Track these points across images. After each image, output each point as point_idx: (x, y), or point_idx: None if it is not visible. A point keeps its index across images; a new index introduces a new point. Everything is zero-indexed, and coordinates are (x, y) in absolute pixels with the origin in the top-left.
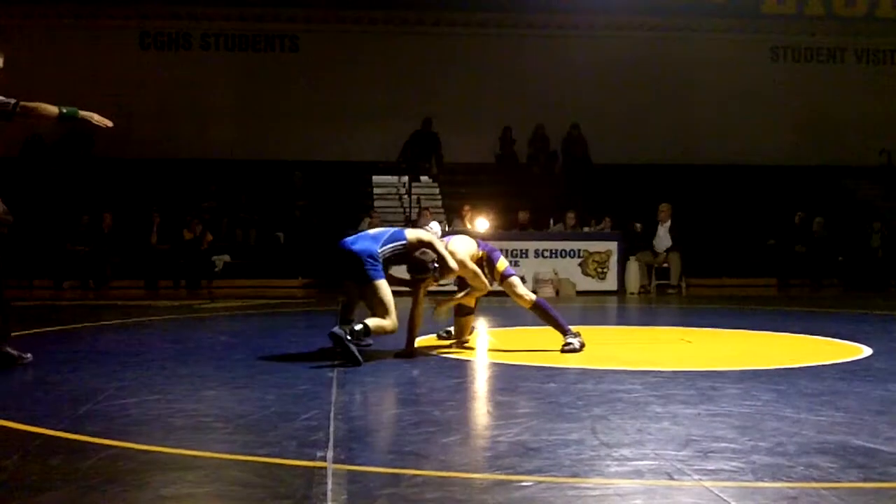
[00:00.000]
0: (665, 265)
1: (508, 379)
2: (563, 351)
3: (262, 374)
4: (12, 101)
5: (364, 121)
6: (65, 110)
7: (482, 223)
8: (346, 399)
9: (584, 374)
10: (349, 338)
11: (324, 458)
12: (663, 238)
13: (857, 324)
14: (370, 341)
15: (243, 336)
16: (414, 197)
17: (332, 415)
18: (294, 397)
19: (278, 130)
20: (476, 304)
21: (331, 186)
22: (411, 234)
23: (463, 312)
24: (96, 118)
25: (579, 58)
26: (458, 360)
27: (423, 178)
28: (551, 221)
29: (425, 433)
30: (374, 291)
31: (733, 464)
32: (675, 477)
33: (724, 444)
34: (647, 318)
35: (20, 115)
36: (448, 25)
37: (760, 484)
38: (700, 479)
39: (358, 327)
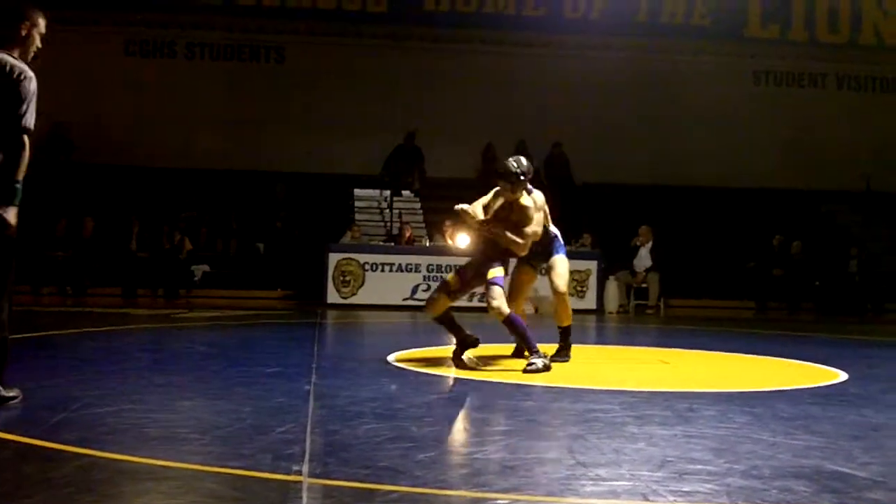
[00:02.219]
0: (644, 285)
1: (487, 396)
2: (525, 371)
3: (238, 386)
4: (30, 125)
5: (348, 133)
6: (19, 185)
7: (463, 239)
8: (322, 413)
9: (562, 393)
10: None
11: (299, 472)
12: (644, 258)
13: (833, 348)
14: None
15: (221, 347)
16: (396, 211)
17: (308, 428)
18: (270, 410)
19: (262, 141)
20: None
21: (312, 198)
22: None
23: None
24: (11, 228)
25: (563, 76)
26: (436, 375)
27: (405, 193)
28: None
29: (402, 449)
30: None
31: (708, 486)
32: (651, 498)
33: (699, 466)
34: (625, 338)
35: (18, 136)
36: (433, 41)
37: None
38: (675, 501)
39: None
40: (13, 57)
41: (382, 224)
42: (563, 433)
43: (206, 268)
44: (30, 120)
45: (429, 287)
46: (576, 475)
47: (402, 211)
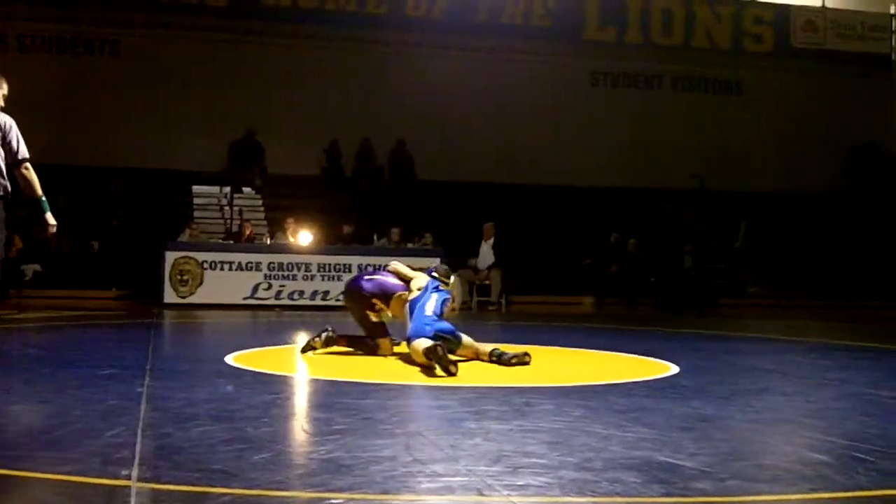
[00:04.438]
0: (486, 282)
1: (326, 395)
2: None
3: (69, 389)
4: (26, 155)
5: (186, 129)
6: (43, 198)
7: (305, 237)
8: (155, 415)
9: (401, 390)
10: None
11: (128, 477)
12: (486, 255)
13: (666, 342)
14: None
15: (52, 349)
16: (236, 209)
17: (139, 431)
18: (101, 413)
19: (97, 136)
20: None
21: (149, 195)
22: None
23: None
24: (52, 229)
25: (406, 74)
26: (274, 375)
27: (246, 190)
28: (375, 236)
29: (236, 450)
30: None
31: (542, 479)
32: (485, 493)
33: (533, 460)
34: (467, 335)
35: (21, 169)
36: (273, 36)
37: (566, 499)
38: (508, 495)
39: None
40: None
41: (222, 221)
42: (400, 430)
43: (37, 267)
44: (25, 151)
45: (269, 286)
46: (412, 472)
47: (243, 208)
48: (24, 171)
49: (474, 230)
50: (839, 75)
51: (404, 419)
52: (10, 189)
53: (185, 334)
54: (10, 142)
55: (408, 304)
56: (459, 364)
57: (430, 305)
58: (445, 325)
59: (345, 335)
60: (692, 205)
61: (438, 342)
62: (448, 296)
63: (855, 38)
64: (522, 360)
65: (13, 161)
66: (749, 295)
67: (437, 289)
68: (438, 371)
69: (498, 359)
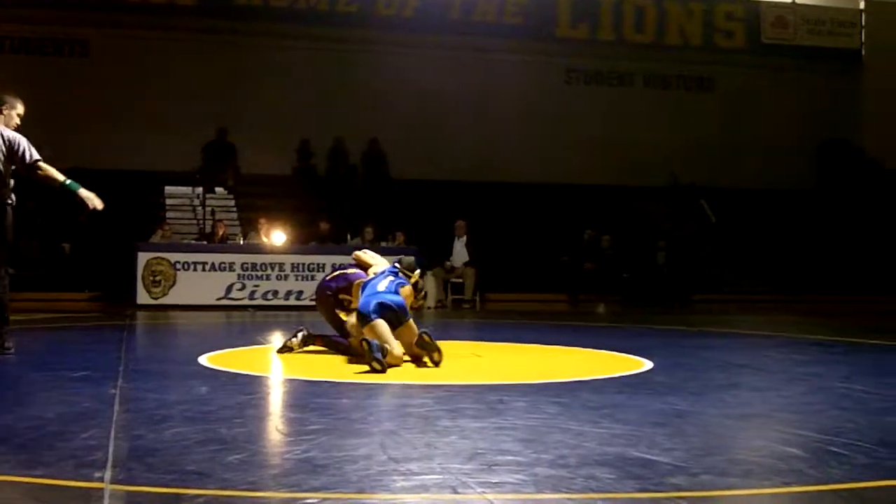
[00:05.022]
0: (460, 280)
1: (301, 395)
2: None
3: (41, 391)
4: (36, 157)
5: (157, 130)
6: (67, 182)
7: (279, 236)
8: (128, 417)
9: (377, 389)
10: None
11: (101, 479)
12: (460, 253)
13: (640, 339)
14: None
15: (24, 352)
16: (209, 209)
17: (112, 433)
18: (74, 415)
19: (68, 137)
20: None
21: (121, 196)
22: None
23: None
24: (94, 202)
25: (378, 73)
26: (249, 376)
27: (219, 190)
28: (349, 235)
29: (210, 451)
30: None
31: (517, 476)
32: (460, 490)
33: (508, 457)
34: (441, 333)
35: (35, 171)
36: (246, 35)
37: (541, 496)
38: (483, 493)
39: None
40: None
41: (195, 222)
42: (376, 429)
43: (8, 269)
44: (34, 154)
45: (243, 286)
46: (387, 471)
47: (216, 208)
48: (39, 171)
49: (449, 228)
50: (809, 71)
51: (379, 418)
52: (14, 198)
53: (159, 335)
54: (20, 153)
55: (362, 286)
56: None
57: (383, 284)
58: (394, 298)
59: (320, 334)
60: (666, 201)
61: (424, 330)
62: (405, 281)
63: (825, 34)
64: (432, 354)
65: (27, 166)
66: (700, 259)
67: (395, 274)
68: (375, 365)
69: (420, 339)
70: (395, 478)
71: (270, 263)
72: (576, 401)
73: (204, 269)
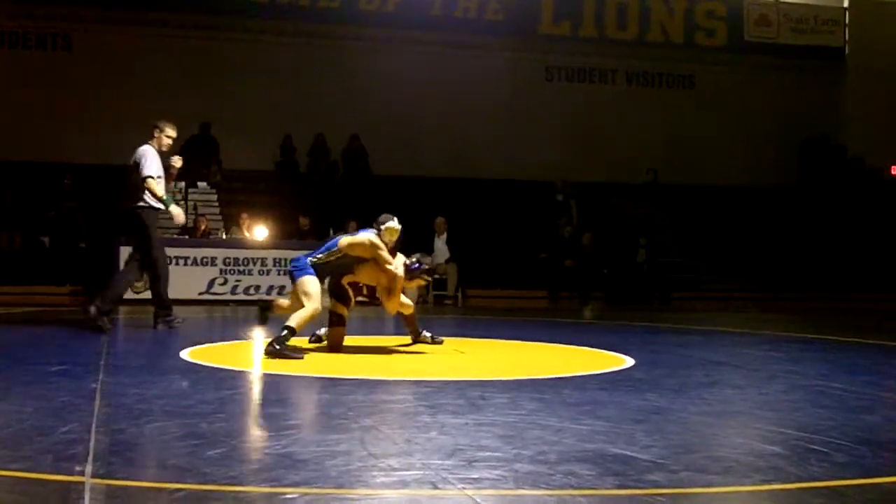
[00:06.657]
0: (443, 276)
1: (282, 390)
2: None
3: (21, 386)
4: (146, 174)
5: (139, 124)
6: (164, 198)
7: (261, 231)
8: (108, 411)
9: (358, 384)
10: (278, 347)
11: (81, 473)
12: (441, 250)
13: (621, 336)
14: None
15: (3, 346)
16: (191, 203)
17: (92, 428)
18: (54, 410)
19: (49, 131)
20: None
21: (102, 191)
22: (343, 240)
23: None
24: (178, 219)
25: (360, 68)
26: (230, 371)
27: (201, 185)
28: (331, 231)
29: (190, 446)
30: (298, 286)
31: (496, 472)
32: (440, 486)
33: (488, 453)
34: (423, 329)
35: (143, 184)
36: (228, 30)
37: (521, 491)
38: (463, 488)
39: (283, 333)
40: (149, 145)
41: None
42: (356, 425)
43: None
44: (146, 172)
45: (225, 281)
46: (367, 466)
47: (198, 203)
48: (146, 186)
49: (431, 225)
50: (792, 69)
51: (359, 413)
52: (148, 199)
53: (140, 330)
54: (141, 166)
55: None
56: (410, 357)
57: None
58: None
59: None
60: (646, 199)
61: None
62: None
63: (808, 32)
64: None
65: (140, 178)
66: (641, 246)
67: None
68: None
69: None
70: (375, 473)
71: (253, 258)
72: (556, 397)
73: (186, 264)
